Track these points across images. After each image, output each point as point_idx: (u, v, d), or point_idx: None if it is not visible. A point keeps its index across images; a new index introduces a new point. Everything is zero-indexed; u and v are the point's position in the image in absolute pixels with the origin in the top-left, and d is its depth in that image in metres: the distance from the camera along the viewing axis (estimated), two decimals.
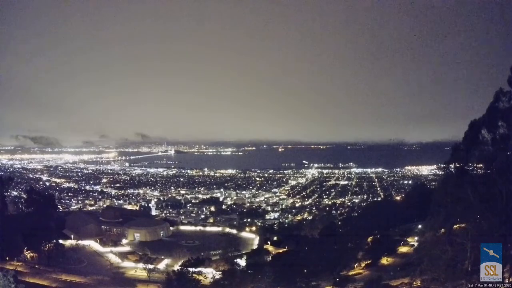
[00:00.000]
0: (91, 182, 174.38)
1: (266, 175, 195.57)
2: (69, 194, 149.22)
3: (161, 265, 51.56)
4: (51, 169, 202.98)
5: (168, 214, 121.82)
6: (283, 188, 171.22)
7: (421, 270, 29.94)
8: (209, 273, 45.19)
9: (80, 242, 59.56)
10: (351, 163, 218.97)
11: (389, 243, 56.88)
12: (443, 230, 30.18)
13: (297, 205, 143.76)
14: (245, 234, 74.87)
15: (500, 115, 27.10)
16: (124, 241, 65.32)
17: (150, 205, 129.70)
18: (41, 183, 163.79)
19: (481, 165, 29.46)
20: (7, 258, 46.20)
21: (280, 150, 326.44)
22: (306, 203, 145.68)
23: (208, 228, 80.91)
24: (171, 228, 73.87)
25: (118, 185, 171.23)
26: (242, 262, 53.34)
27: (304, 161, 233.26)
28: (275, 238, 76.49)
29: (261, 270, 45.64)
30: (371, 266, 51.00)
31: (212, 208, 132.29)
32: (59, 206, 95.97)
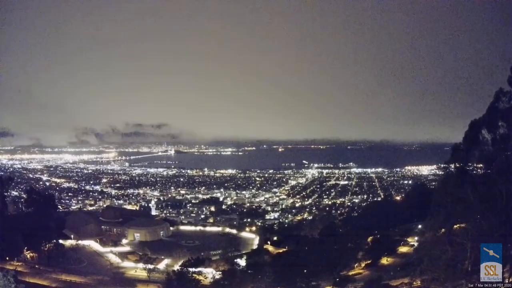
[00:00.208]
0: (91, 182, 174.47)
1: (266, 175, 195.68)
2: (69, 194, 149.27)
3: (161, 265, 51.54)
4: (51, 169, 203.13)
5: (168, 214, 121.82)
6: (283, 188, 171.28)
7: (421, 270, 29.94)
8: (209, 273, 45.17)
9: (80, 242, 59.53)
10: (351, 163, 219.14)
11: (389, 243, 56.86)
12: (443, 230, 30.17)
13: (297, 205, 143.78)
14: (245, 234, 74.83)
15: (500, 115, 27.09)
16: (124, 241, 65.30)
17: (150, 205, 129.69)
18: (41, 183, 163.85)
19: (481, 165, 29.47)
20: (7, 258, 46.20)
21: (280, 150, 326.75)
22: (306, 203, 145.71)
23: (208, 228, 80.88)
24: (171, 228, 73.85)
25: (118, 185, 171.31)
26: (242, 262, 53.32)
27: (304, 161, 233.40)
28: (275, 238, 76.44)
29: (261, 270, 45.61)
30: (371, 266, 51.00)
31: (212, 208, 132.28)
32: (59, 206, 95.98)
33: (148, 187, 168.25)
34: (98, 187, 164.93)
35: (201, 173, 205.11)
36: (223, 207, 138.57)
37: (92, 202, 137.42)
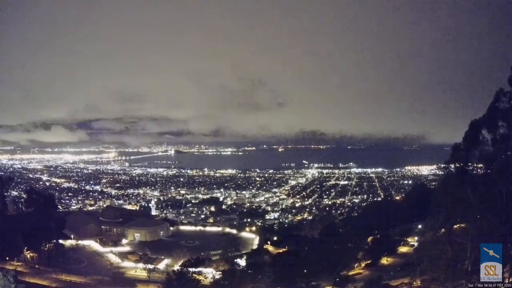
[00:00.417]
0: (91, 182, 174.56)
1: (266, 175, 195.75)
2: (69, 194, 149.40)
3: (161, 265, 51.54)
4: (51, 169, 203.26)
5: (168, 214, 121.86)
6: (283, 188, 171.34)
7: (421, 270, 29.93)
8: (209, 273, 45.16)
9: (80, 242, 59.51)
10: (351, 163, 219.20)
11: (389, 243, 56.83)
12: (443, 230, 30.17)
13: (297, 205, 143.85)
14: (245, 234, 74.82)
15: (500, 115, 27.10)
16: (124, 241, 65.31)
17: (150, 205, 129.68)
18: (41, 183, 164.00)
19: (481, 165, 29.47)
20: (7, 258, 46.21)
21: (280, 150, 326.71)
22: (306, 203, 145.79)
23: (208, 228, 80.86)
24: (171, 228, 73.85)
25: (118, 185, 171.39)
26: (242, 262, 53.30)
27: (304, 161, 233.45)
28: (275, 238, 76.43)
29: (261, 270, 45.61)
30: (371, 266, 50.97)
31: (212, 208, 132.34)
32: (59, 206, 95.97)
33: (148, 187, 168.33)
34: (98, 187, 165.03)
35: (201, 173, 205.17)
36: (223, 207, 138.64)
37: (92, 202, 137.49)
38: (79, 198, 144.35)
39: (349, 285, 40.94)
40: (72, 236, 62.86)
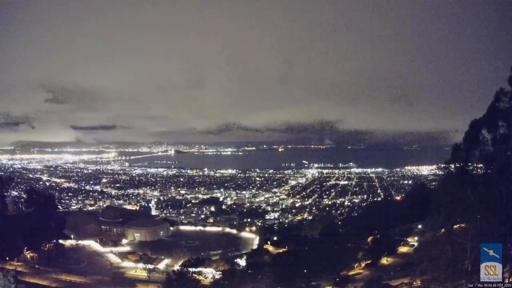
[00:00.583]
0: (91, 182, 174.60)
1: (266, 175, 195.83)
2: (69, 194, 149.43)
3: (161, 265, 51.56)
4: (51, 169, 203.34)
5: (168, 214, 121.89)
6: (283, 188, 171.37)
7: (421, 270, 29.90)
8: (209, 273, 45.19)
9: (80, 242, 59.53)
10: (351, 163, 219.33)
11: (389, 243, 56.86)
12: (443, 230, 30.14)
13: (297, 205, 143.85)
14: (245, 234, 74.85)
15: (500, 115, 27.04)
16: (124, 241, 65.31)
17: (150, 205, 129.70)
18: (41, 183, 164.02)
19: (481, 165, 29.44)
20: (7, 258, 46.23)
21: (280, 150, 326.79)
22: (306, 203, 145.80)
23: (208, 228, 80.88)
24: (171, 228, 73.86)
25: (118, 185, 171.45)
26: (242, 262, 53.33)
27: (304, 161, 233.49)
28: (275, 238, 76.46)
29: (261, 270, 45.63)
30: (371, 266, 50.98)
31: (212, 208, 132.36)
32: (59, 206, 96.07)
33: (148, 187, 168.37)
34: (98, 187, 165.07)
35: (201, 173, 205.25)
36: (223, 207, 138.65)
37: (92, 202, 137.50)
38: (79, 198, 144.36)
39: (349, 285, 40.94)
40: (72, 236, 62.87)
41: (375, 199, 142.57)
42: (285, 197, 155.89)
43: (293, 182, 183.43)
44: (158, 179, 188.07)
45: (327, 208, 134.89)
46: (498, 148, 27.05)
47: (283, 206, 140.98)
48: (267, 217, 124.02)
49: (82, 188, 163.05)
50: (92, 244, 59.72)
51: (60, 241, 53.85)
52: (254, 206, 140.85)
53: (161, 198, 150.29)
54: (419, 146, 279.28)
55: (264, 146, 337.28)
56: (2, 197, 55.13)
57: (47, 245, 49.44)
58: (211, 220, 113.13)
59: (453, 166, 29.86)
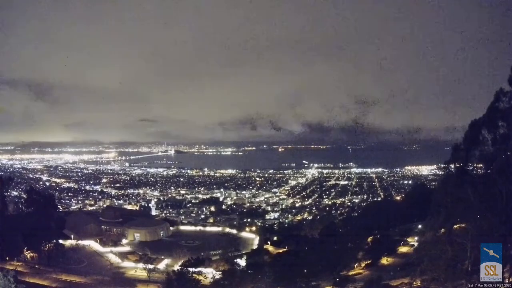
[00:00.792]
0: (91, 182, 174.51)
1: (266, 175, 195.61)
2: (69, 194, 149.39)
3: (161, 265, 51.59)
4: (51, 169, 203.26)
5: (168, 214, 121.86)
6: (283, 188, 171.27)
7: (421, 270, 29.91)
8: (209, 273, 45.21)
9: (80, 242, 59.54)
10: (351, 163, 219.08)
11: (389, 243, 56.86)
12: (443, 230, 30.17)
13: (297, 205, 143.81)
14: (245, 234, 74.88)
15: (500, 115, 27.07)
16: (124, 241, 65.33)
17: (150, 205, 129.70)
18: (41, 183, 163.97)
19: (481, 165, 29.46)
20: (7, 258, 46.24)
21: (280, 150, 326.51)
22: (306, 203, 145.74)
23: (208, 228, 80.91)
24: (171, 228, 73.88)
25: (118, 185, 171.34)
26: (242, 262, 53.35)
27: (304, 161, 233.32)
28: (275, 238, 76.49)
29: (261, 270, 45.64)
30: (371, 266, 50.98)
31: (212, 208, 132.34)
32: (59, 206, 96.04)
33: (148, 187, 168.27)
34: (98, 187, 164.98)
35: (201, 173, 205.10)
36: (223, 207, 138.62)
37: (92, 202, 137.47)
38: (79, 198, 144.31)
39: (349, 285, 40.95)
40: (72, 236, 62.88)
41: (375, 199, 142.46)
42: (285, 197, 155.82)
43: (293, 182, 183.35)
44: (158, 179, 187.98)
45: (327, 208, 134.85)
46: (498, 148, 27.07)
47: (283, 206, 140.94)
48: (267, 217, 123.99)
49: (82, 188, 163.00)
50: (92, 244, 59.72)
51: (60, 241, 53.89)
52: (254, 206, 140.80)
53: (161, 198, 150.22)
54: (419, 146, 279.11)
55: (264, 146, 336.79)
56: (2, 197, 55.09)
57: (47, 245, 49.47)
58: (211, 220, 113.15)
59: (453, 166, 29.88)
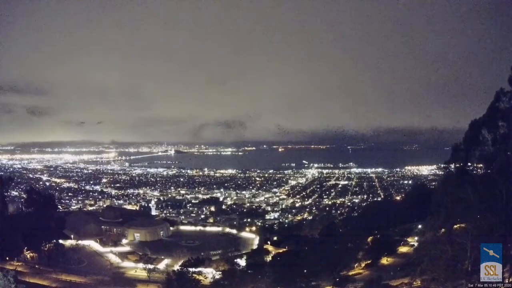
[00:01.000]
0: (91, 182, 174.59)
1: (266, 175, 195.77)
2: (69, 194, 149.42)
3: (161, 265, 51.58)
4: (51, 169, 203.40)
5: (168, 214, 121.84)
6: (283, 188, 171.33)
7: (421, 270, 29.91)
8: (209, 273, 45.21)
9: (80, 242, 59.51)
10: (351, 163, 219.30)
11: (389, 243, 56.80)
12: (443, 230, 30.17)
13: (297, 205, 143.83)
14: (245, 234, 74.87)
15: (500, 115, 27.06)
16: (124, 241, 65.32)
17: (150, 205, 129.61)
18: (41, 183, 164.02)
19: (481, 165, 29.46)
20: (7, 258, 46.21)
21: (280, 150, 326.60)
22: (306, 203, 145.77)
23: (208, 228, 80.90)
24: (171, 228, 73.88)
25: (118, 185, 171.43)
26: (242, 262, 53.37)
27: (304, 161, 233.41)
28: (275, 238, 76.43)
29: (261, 270, 45.66)
30: (371, 266, 50.95)
31: (212, 208, 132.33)
32: (59, 206, 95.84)
33: (148, 187, 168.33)
34: (98, 187, 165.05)
35: (201, 173, 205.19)
36: (223, 207, 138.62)
37: (92, 202, 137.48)
38: (79, 198, 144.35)
39: (349, 285, 40.92)
40: (72, 236, 62.86)
41: (375, 199, 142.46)
42: (285, 197, 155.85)
43: (293, 182, 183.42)
44: (158, 179, 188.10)
45: (327, 208, 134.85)
46: (498, 148, 27.06)
47: (283, 206, 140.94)
48: (267, 217, 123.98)
49: (82, 188, 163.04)
50: (92, 244, 59.72)
51: (60, 241, 53.82)
52: (254, 206, 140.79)
53: (161, 198, 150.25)
54: (419, 146, 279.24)
55: (264, 146, 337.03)
56: (2, 197, 55.05)
57: (47, 245, 49.46)
58: (211, 220, 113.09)
59: (453, 166, 29.89)
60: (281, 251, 60.66)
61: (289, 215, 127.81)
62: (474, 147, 28.31)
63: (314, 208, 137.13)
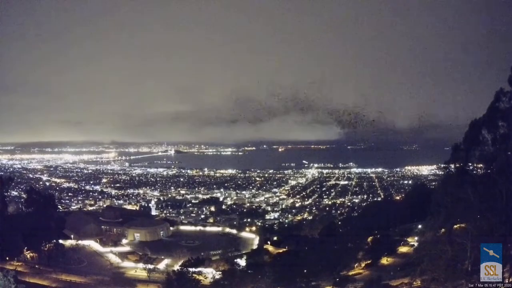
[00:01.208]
0: (91, 182, 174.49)
1: (266, 175, 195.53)
2: (69, 194, 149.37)
3: (161, 265, 51.59)
4: (51, 169, 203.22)
5: (168, 214, 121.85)
6: (283, 188, 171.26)
7: (421, 270, 29.94)
8: (209, 273, 45.23)
9: (80, 242, 59.50)
10: (351, 163, 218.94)
11: (389, 243, 56.83)
12: (443, 230, 30.19)
13: (297, 205, 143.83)
14: (245, 234, 74.86)
15: (500, 115, 27.10)
16: (124, 241, 65.32)
17: (150, 205, 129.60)
18: (41, 183, 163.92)
19: (481, 165, 29.48)
20: (7, 258, 46.21)
21: (280, 150, 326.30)
22: (306, 203, 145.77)
23: (208, 228, 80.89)
24: (171, 228, 73.87)
25: (118, 185, 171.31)
26: (242, 262, 53.37)
27: (304, 161, 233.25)
28: (275, 238, 76.43)
29: (261, 270, 45.64)
30: (371, 266, 50.97)
31: (212, 208, 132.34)
32: (59, 206, 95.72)
33: (148, 187, 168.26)
34: (98, 187, 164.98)
35: (201, 173, 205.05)
36: (223, 207, 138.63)
37: (92, 202, 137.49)
38: (79, 198, 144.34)
39: (349, 285, 40.95)
40: (72, 236, 62.86)
41: (375, 199, 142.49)
42: (285, 197, 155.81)
43: (293, 182, 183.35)
44: (158, 179, 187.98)
45: (327, 208, 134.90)
46: (498, 148, 27.09)
47: (283, 206, 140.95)
48: (267, 217, 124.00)
49: (82, 188, 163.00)
50: (92, 244, 59.73)
51: (60, 241, 53.81)
52: (254, 206, 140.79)
53: (161, 198, 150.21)
54: (419, 146, 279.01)
55: (264, 146, 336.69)
56: (2, 197, 55.00)
57: (47, 245, 49.45)
58: (211, 220, 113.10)
59: (453, 166, 29.92)
60: (281, 251, 60.67)
61: (289, 215, 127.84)
62: (474, 147, 28.35)
63: (314, 208, 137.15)
